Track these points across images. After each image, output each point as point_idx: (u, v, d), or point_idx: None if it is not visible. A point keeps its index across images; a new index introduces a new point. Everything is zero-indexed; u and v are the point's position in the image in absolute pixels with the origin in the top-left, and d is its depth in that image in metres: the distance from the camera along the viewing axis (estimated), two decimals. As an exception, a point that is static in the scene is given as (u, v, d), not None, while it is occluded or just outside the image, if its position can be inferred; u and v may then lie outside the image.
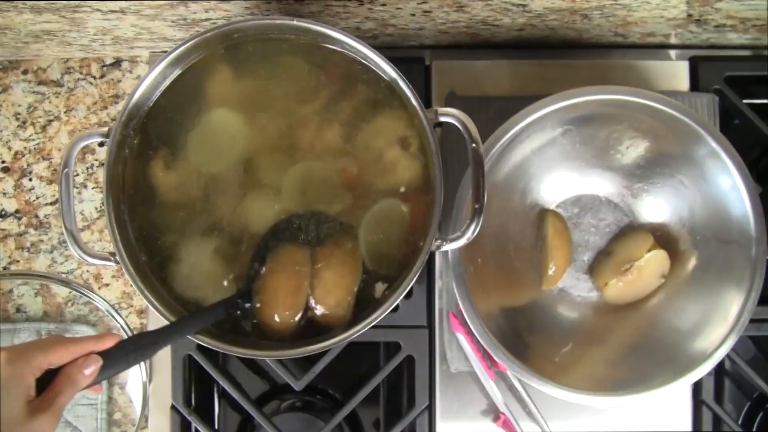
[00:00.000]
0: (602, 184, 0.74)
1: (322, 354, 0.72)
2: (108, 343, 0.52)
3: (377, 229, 0.62)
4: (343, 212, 0.62)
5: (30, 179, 0.80)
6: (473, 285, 0.66)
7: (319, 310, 0.61)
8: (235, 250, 0.62)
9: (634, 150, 0.71)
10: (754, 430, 0.77)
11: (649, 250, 0.70)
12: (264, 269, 0.61)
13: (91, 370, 0.50)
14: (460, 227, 0.62)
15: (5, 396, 0.46)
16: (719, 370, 0.76)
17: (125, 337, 0.56)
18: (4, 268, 0.80)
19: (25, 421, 0.46)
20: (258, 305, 0.61)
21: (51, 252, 0.80)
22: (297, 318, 0.60)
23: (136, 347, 0.54)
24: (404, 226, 0.62)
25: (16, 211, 0.80)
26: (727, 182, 0.66)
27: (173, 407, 0.74)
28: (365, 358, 0.79)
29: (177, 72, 0.61)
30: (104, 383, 0.78)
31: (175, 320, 0.58)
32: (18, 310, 0.79)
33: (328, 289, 0.61)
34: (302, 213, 0.62)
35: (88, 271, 0.80)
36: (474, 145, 0.59)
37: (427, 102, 0.76)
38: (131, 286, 0.65)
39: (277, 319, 0.60)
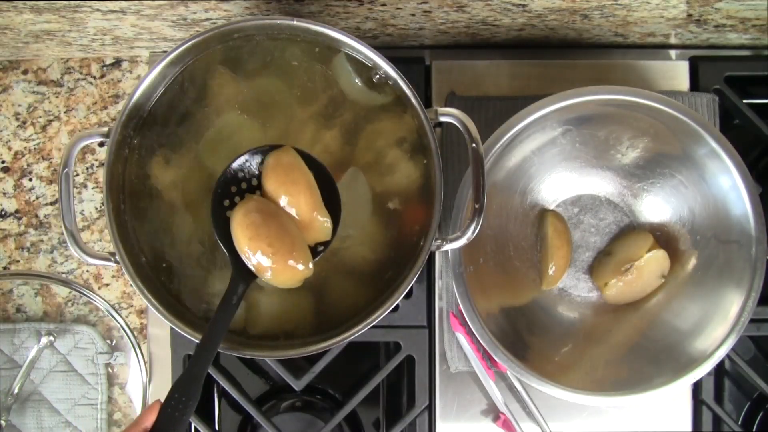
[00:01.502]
0: (602, 184, 0.74)
1: (322, 354, 0.72)
2: (152, 415, 0.51)
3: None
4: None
5: (30, 179, 0.80)
6: (473, 285, 0.66)
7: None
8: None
9: (634, 150, 0.71)
10: (754, 430, 0.77)
11: (648, 250, 0.70)
12: (243, 239, 0.55)
13: None
14: (460, 227, 0.62)
15: None
16: (719, 370, 0.76)
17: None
18: (4, 268, 0.80)
19: None
20: (268, 275, 0.55)
21: (51, 252, 0.80)
22: (311, 262, 0.56)
23: (179, 398, 0.51)
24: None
25: (16, 211, 0.80)
26: (727, 182, 0.66)
27: (173, 407, 0.74)
28: (365, 358, 0.79)
29: (177, 72, 0.61)
30: (104, 383, 0.78)
31: (197, 344, 0.55)
32: (18, 310, 0.79)
33: (293, 209, 0.56)
34: (231, 165, 0.57)
35: (88, 271, 0.80)
36: (474, 145, 0.59)
37: (427, 102, 0.76)
38: (131, 286, 0.65)
39: (294, 275, 0.55)
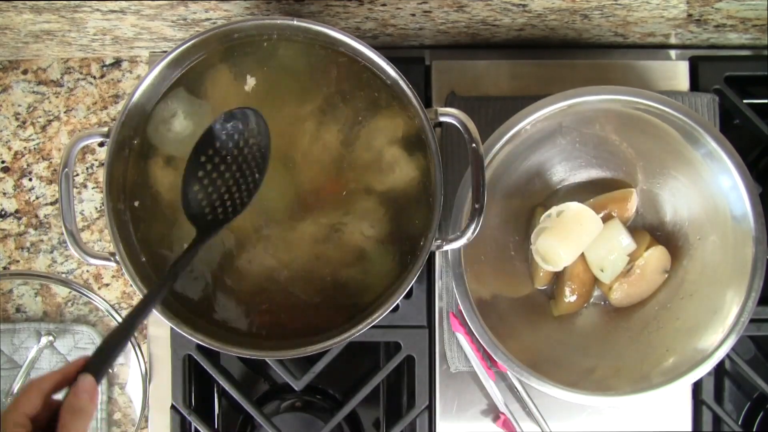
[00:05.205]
0: (602, 185, 0.74)
1: (322, 354, 0.72)
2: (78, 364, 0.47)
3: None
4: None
5: (30, 179, 0.80)
6: (473, 285, 0.66)
7: None
8: (237, 247, 0.62)
9: (634, 150, 0.71)
10: (754, 430, 0.77)
11: (647, 248, 0.70)
12: None
13: (87, 388, 0.45)
14: (460, 227, 0.62)
15: None
16: (719, 370, 0.76)
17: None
18: (4, 268, 0.80)
19: None
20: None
21: (51, 252, 0.80)
22: None
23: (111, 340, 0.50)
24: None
25: (16, 211, 0.80)
26: (727, 182, 0.66)
27: (173, 407, 0.74)
28: (365, 358, 0.79)
29: (177, 72, 0.61)
30: (104, 383, 0.78)
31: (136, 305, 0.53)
32: (18, 310, 0.79)
33: None
34: None
35: (88, 271, 0.80)
36: (474, 145, 0.59)
37: (427, 102, 0.76)
38: (131, 286, 0.65)
39: None
